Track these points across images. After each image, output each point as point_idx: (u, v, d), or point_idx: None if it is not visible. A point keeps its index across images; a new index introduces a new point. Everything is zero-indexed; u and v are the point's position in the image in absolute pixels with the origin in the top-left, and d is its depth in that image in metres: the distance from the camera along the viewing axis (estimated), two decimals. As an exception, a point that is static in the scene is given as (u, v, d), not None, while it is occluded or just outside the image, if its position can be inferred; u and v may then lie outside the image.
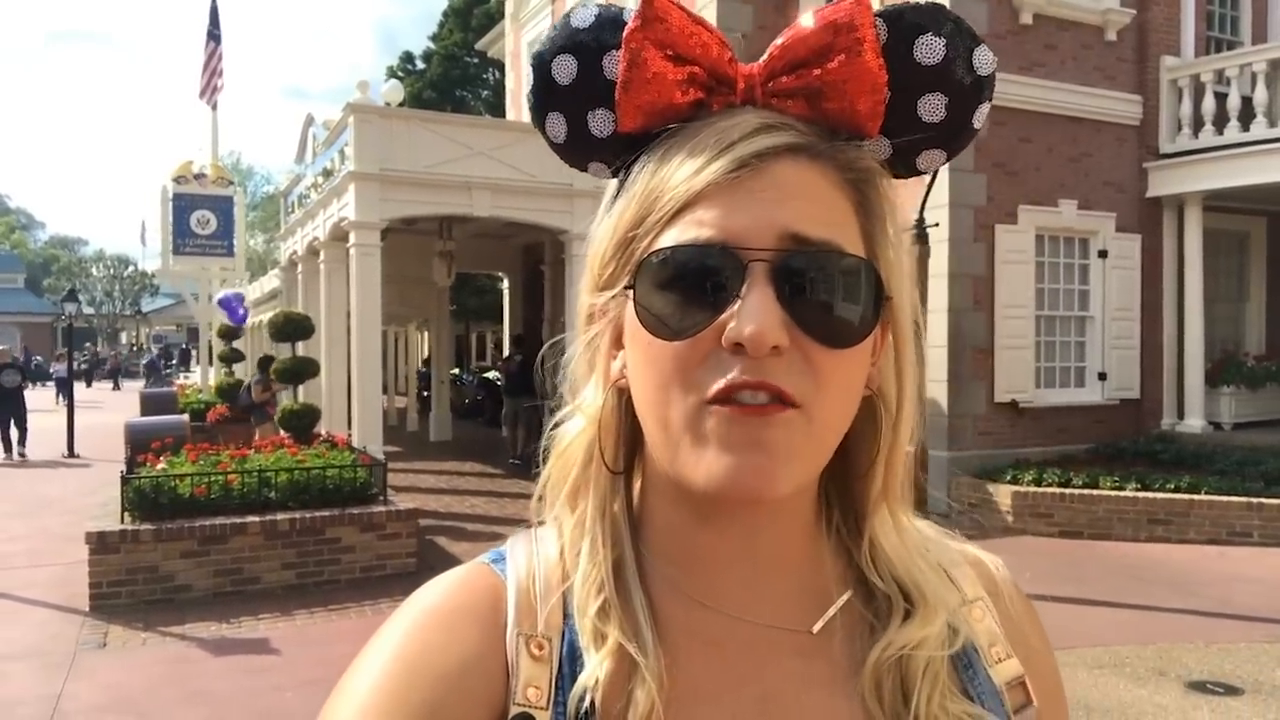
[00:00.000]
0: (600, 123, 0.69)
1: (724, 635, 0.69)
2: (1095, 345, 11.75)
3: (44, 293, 65.47)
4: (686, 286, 0.62)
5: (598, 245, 0.69)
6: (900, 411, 0.69)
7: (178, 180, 17.84)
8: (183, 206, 17.86)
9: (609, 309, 0.69)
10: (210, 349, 20.82)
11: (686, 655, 0.67)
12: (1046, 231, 11.33)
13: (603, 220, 0.69)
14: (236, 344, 18.77)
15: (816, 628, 0.70)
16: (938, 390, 10.49)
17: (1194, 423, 11.60)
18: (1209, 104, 11.34)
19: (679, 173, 0.63)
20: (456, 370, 23.53)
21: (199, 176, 17.96)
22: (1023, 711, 0.72)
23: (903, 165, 0.69)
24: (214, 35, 18.49)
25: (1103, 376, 11.74)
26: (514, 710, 0.64)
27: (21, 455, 16.83)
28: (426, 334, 23.80)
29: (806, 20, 0.65)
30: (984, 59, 0.67)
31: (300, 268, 16.74)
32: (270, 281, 25.57)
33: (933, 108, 0.67)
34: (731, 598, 0.69)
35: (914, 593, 0.71)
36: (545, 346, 0.78)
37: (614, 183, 0.71)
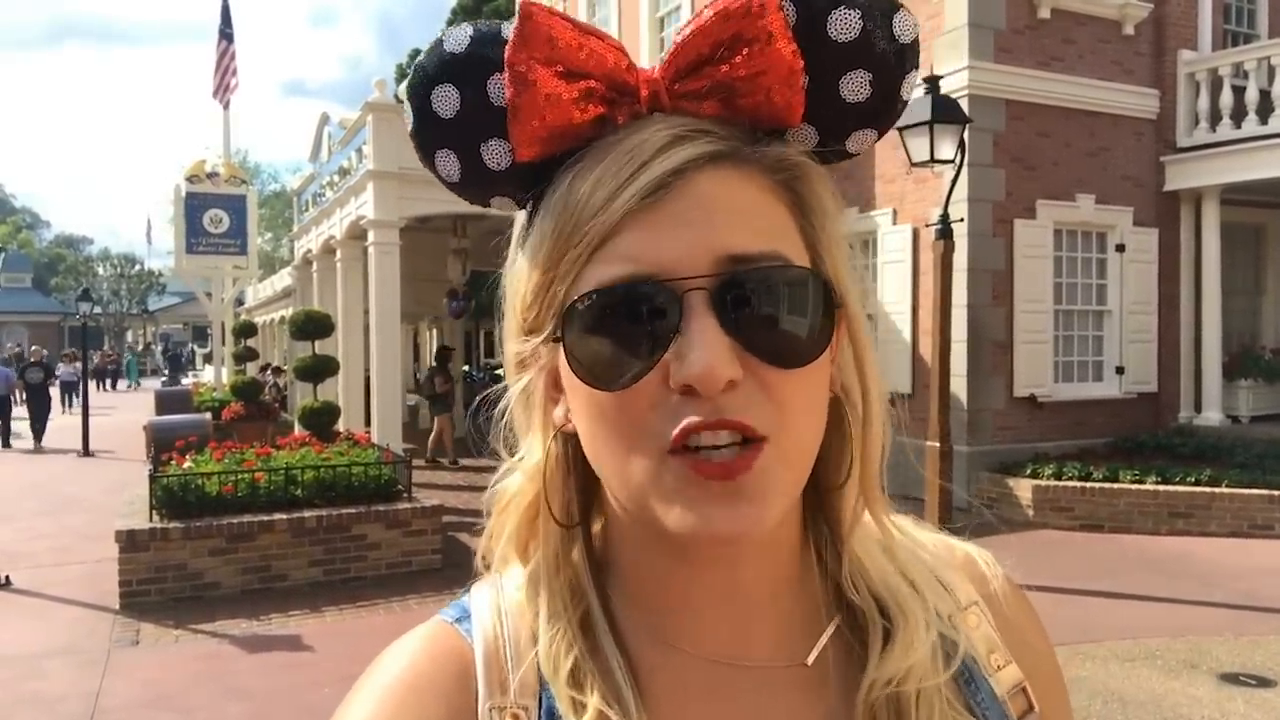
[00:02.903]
0: (495, 154, 0.62)
1: (715, 682, 0.64)
2: (1113, 339, 11.76)
3: (51, 292, 65.57)
4: (620, 329, 0.56)
5: (516, 288, 0.63)
6: (868, 409, 0.64)
7: (191, 179, 17.86)
8: (195, 205, 17.89)
9: (540, 354, 0.63)
10: (223, 347, 20.86)
11: (679, 710, 0.63)
12: (1064, 226, 11.33)
13: (515, 260, 0.64)
14: (250, 342, 18.81)
15: (811, 659, 0.65)
16: (957, 385, 10.50)
17: (1212, 416, 11.60)
18: (1226, 97, 11.32)
19: (591, 202, 0.57)
20: (466, 367, 23.56)
21: (212, 175, 17.98)
22: (1025, 718, 0.69)
23: (833, 151, 0.64)
24: (226, 34, 18.49)
25: (1120, 370, 11.74)
26: None
27: (38, 447, 18.36)
28: (436, 331, 23.82)
29: (706, 11, 0.59)
30: (905, 25, 0.61)
31: (315, 265, 16.77)
32: (281, 280, 25.61)
33: (856, 86, 0.61)
34: (717, 640, 0.64)
35: (893, 609, 0.66)
36: (477, 400, 0.72)
37: (522, 216, 0.65)
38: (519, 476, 0.67)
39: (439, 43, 0.63)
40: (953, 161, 7.60)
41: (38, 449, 18.41)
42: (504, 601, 0.67)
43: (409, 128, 0.64)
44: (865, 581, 0.67)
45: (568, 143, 0.60)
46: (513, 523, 0.68)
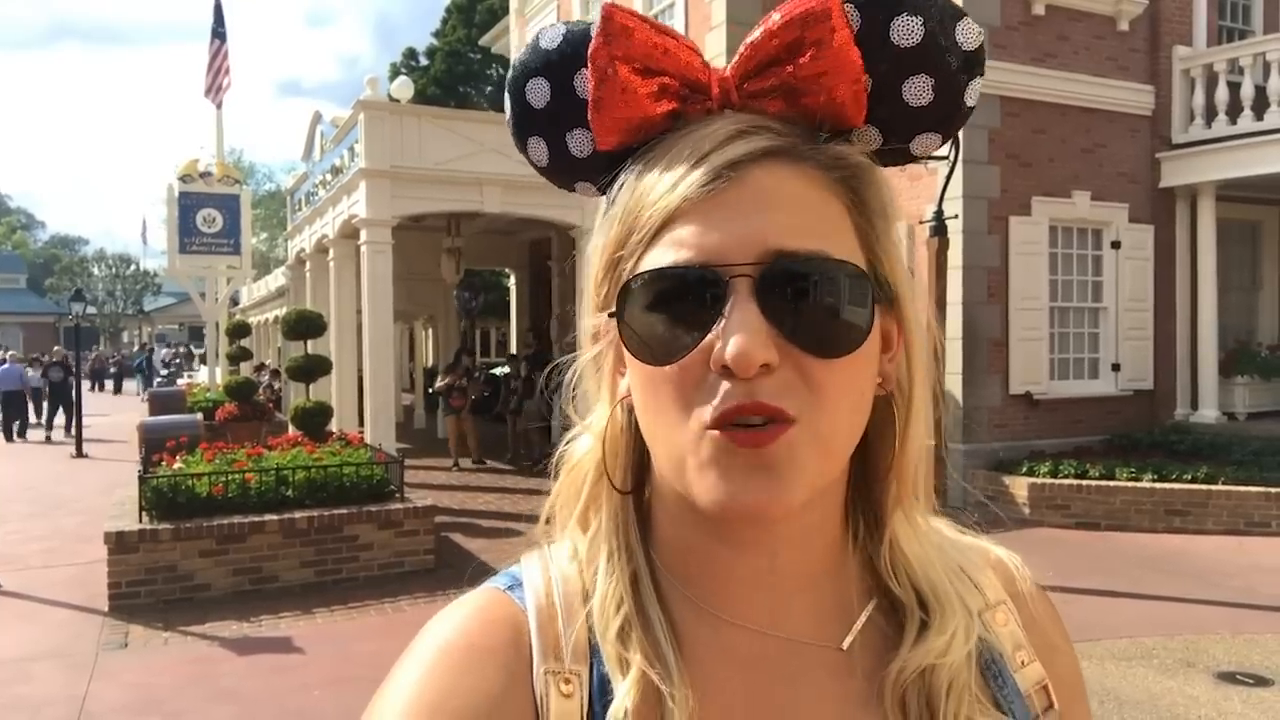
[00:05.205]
0: (579, 143, 0.68)
1: (753, 654, 0.66)
2: (1109, 336, 11.73)
3: (46, 293, 65.40)
4: (670, 309, 0.60)
5: (593, 265, 0.68)
6: (910, 407, 0.67)
7: (184, 179, 17.76)
8: (189, 205, 17.78)
9: (610, 329, 0.67)
10: (217, 347, 20.80)
11: (717, 677, 0.65)
12: (1060, 223, 11.30)
13: (595, 240, 0.68)
14: (244, 342, 18.76)
15: (846, 643, 0.68)
16: (953, 383, 10.47)
17: (1208, 413, 11.58)
18: (1222, 93, 11.30)
19: (655, 189, 0.62)
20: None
21: (205, 175, 17.88)
22: (1045, 715, 0.71)
23: (897, 153, 0.67)
24: (218, 33, 18.39)
25: (1116, 367, 11.71)
26: None
27: (47, 437, 20.68)
28: (432, 331, 23.78)
29: (775, 15, 0.63)
30: (969, 33, 0.64)
31: (309, 265, 16.71)
32: (275, 280, 25.55)
33: (919, 90, 0.64)
34: (757, 615, 0.67)
35: (931, 601, 0.69)
36: (549, 367, 0.75)
37: (604, 201, 0.69)
38: (588, 439, 0.71)
39: (535, 40, 0.69)
40: (946, 158, 7.53)
41: (48, 440, 20.33)
42: (554, 570, 0.69)
43: (507, 116, 0.70)
44: (908, 573, 0.70)
45: (643, 134, 0.65)
46: (577, 487, 0.71)
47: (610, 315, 0.65)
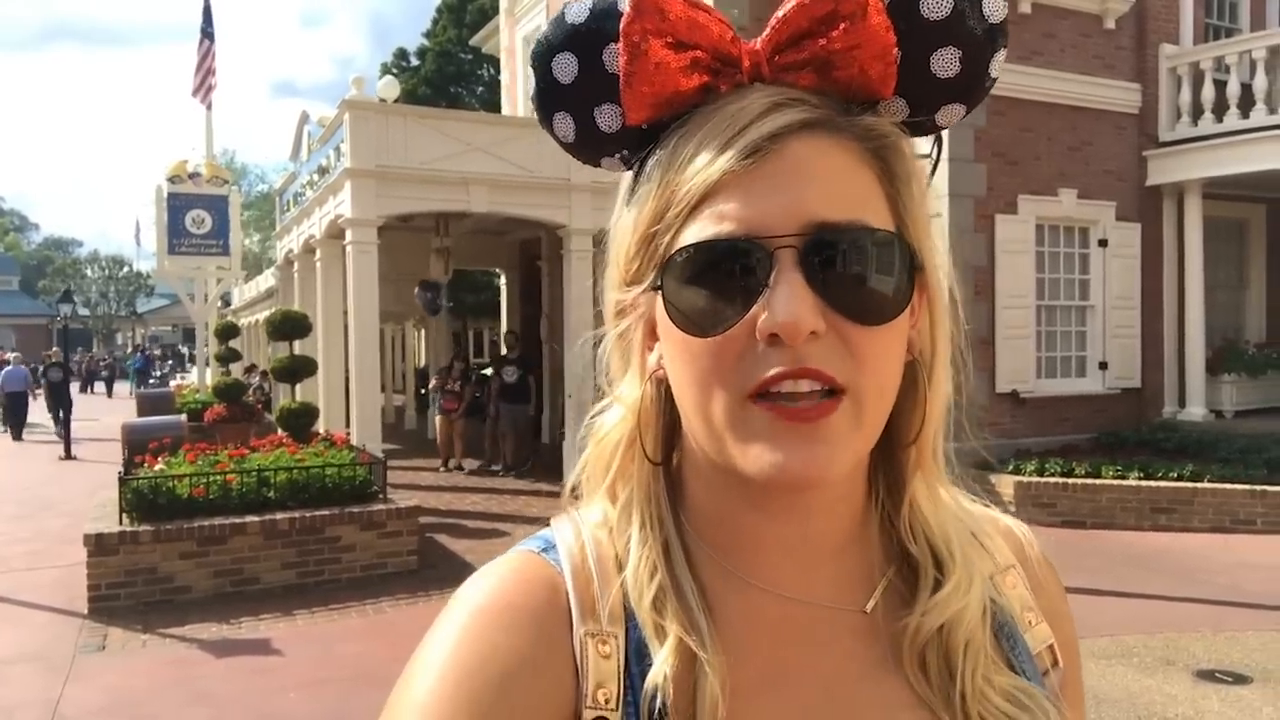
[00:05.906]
0: (607, 118, 0.68)
1: (780, 618, 0.68)
2: (1096, 334, 11.73)
3: (39, 294, 65.25)
4: (714, 282, 0.61)
5: (621, 241, 0.68)
6: (933, 373, 0.68)
7: (172, 180, 17.70)
8: (178, 206, 17.72)
9: (639, 303, 0.68)
10: (206, 349, 20.73)
11: (749, 642, 0.67)
12: (1047, 221, 11.30)
13: (621, 215, 0.69)
14: (234, 343, 18.69)
15: (869, 606, 0.69)
16: (939, 381, 10.47)
17: (1195, 411, 11.58)
18: (1208, 91, 11.30)
19: (693, 164, 0.62)
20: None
21: (193, 176, 17.83)
22: (1051, 672, 0.74)
23: (921, 123, 0.68)
24: (207, 33, 18.34)
25: (1104, 366, 11.71)
26: (588, 715, 0.62)
27: (59, 436, 20.34)
28: (423, 331, 23.73)
29: None
30: (995, 6, 0.65)
31: (296, 266, 16.66)
32: (266, 280, 25.49)
33: (946, 62, 0.65)
34: (785, 580, 0.68)
35: (946, 560, 0.70)
36: (581, 341, 0.76)
37: (629, 176, 0.69)
38: (618, 410, 0.71)
39: (561, 15, 0.68)
40: (929, 156, 7.53)
41: (60, 436, 20.09)
42: (586, 533, 0.70)
43: (531, 92, 0.70)
44: (926, 533, 0.71)
45: (674, 108, 0.65)
46: (606, 457, 0.71)
47: (646, 290, 0.66)
